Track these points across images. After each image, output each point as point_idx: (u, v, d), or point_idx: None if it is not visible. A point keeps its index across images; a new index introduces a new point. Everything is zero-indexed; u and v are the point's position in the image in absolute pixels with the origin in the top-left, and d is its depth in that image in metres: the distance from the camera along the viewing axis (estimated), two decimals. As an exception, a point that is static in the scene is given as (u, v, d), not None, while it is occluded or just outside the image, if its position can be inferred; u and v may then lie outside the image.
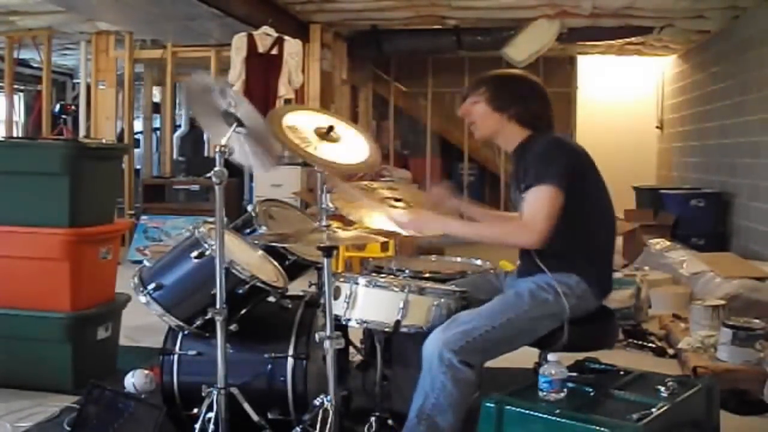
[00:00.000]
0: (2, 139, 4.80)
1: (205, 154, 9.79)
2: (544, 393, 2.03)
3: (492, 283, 2.71)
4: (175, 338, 2.74)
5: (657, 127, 10.38)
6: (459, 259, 3.24)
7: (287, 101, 6.67)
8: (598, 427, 1.86)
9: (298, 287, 3.11)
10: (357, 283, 2.43)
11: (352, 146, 2.56)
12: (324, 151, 2.44)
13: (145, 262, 2.76)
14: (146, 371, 3.21)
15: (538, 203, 2.36)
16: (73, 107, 7.99)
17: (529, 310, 2.36)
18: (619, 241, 6.11)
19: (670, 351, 4.11)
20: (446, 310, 2.38)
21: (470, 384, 2.25)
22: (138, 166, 9.32)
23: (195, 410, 2.48)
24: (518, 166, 2.55)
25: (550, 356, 2.14)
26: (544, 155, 2.42)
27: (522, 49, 7.82)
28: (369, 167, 2.58)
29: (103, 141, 4.52)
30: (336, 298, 2.41)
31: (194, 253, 2.56)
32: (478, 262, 3.13)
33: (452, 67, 10.15)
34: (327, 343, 2.31)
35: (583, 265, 2.43)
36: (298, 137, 2.43)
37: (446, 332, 2.27)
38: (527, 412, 1.98)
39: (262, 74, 6.40)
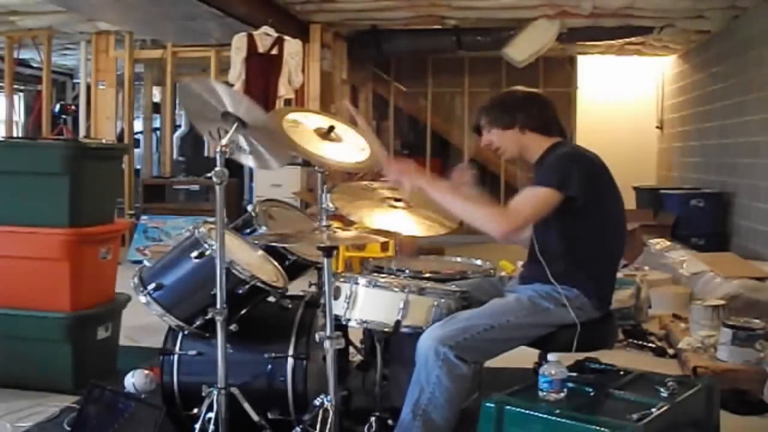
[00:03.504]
0: (2, 139, 4.80)
1: (205, 154, 9.79)
2: (544, 393, 2.03)
3: (493, 284, 2.71)
4: (175, 338, 2.74)
5: (657, 127, 10.38)
6: (459, 260, 3.24)
7: (287, 101, 6.67)
8: (598, 427, 1.86)
9: (298, 287, 3.11)
10: (357, 283, 2.43)
11: (355, 146, 2.56)
12: (326, 150, 2.45)
13: (145, 262, 2.76)
14: (146, 371, 3.21)
15: (528, 199, 2.36)
16: (73, 107, 7.97)
17: (528, 315, 2.38)
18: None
19: (670, 351, 4.11)
20: (446, 310, 2.39)
21: (465, 379, 2.26)
22: (138, 166, 9.32)
23: (195, 410, 2.48)
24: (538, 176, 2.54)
25: (550, 356, 2.14)
26: (555, 163, 2.43)
27: (522, 49, 7.81)
28: (372, 164, 2.58)
29: (103, 141, 4.52)
30: (336, 298, 2.41)
31: (194, 253, 2.56)
32: (478, 262, 3.13)
33: (452, 67, 10.15)
34: (327, 343, 2.31)
35: (585, 280, 2.44)
36: (299, 135, 2.44)
37: (443, 328, 2.28)
38: (527, 412, 1.98)
39: (262, 74, 6.40)
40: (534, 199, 2.36)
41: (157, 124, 10.05)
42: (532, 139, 2.56)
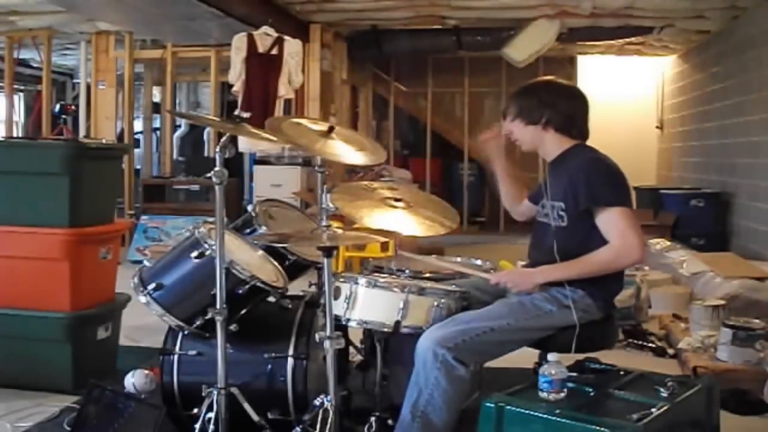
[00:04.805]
0: (2, 139, 4.80)
1: (205, 154, 9.79)
2: (544, 393, 2.03)
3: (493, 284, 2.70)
4: (175, 338, 2.74)
5: (657, 127, 10.37)
6: (459, 260, 3.23)
7: (287, 101, 6.66)
8: (598, 427, 1.86)
9: (298, 287, 3.11)
10: (357, 284, 2.43)
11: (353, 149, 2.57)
12: (327, 147, 2.46)
13: (145, 262, 2.76)
14: (146, 371, 3.21)
15: (623, 223, 2.38)
16: (73, 107, 7.98)
17: (530, 318, 2.38)
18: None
19: (670, 351, 4.11)
20: (446, 310, 2.39)
21: (464, 381, 2.26)
22: (138, 166, 9.32)
23: (195, 410, 2.48)
24: (557, 177, 2.55)
25: (550, 356, 2.14)
26: (606, 178, 2.46)
27: (522, 49, 7.82)
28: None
29: (103, 141, 4.51)
30: (336, 298, 2.41)
31: (194, 253, 2.56)
32: (478, 262, 3.13)
33: (452, 67, 10.15)
34: (327, 343, 2.31)
35: (593, 282, 2.43)
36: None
37: (443, 329, 2.28)
38: (527, 412, 1.98)
39: (262, 74, 6.39)
40: (627, 222, 2.39)
41: (157, 124, 10.05)
42: (553, 137, 2.57)
